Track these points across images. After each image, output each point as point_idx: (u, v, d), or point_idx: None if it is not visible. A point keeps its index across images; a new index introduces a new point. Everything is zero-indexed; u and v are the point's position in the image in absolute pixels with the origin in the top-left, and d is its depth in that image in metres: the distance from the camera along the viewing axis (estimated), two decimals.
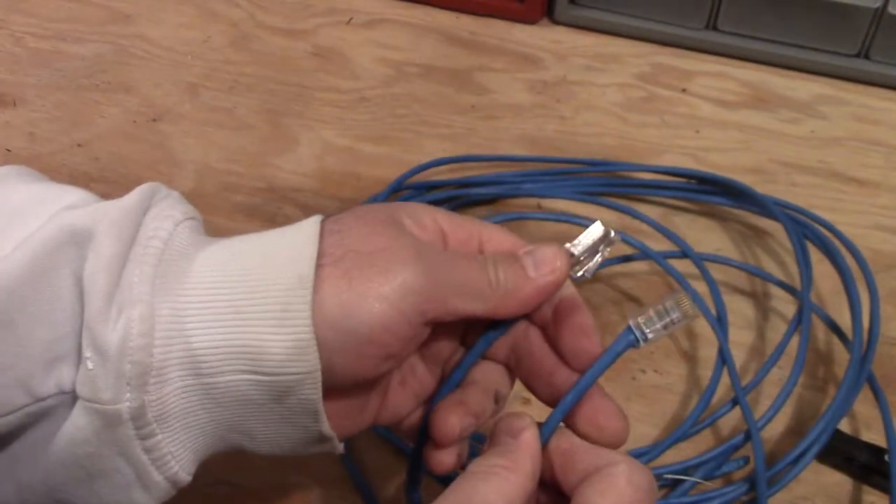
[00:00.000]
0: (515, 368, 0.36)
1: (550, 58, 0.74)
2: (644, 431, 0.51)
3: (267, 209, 0.62)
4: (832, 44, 0.71)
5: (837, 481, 0.49)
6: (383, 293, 0.31)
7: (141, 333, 0.30)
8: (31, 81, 0.71)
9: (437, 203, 0.62)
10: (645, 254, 0.56)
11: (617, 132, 0.68)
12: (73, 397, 0.30)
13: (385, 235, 0.32)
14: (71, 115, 0.69)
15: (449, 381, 0.35)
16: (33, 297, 0.30)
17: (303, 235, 0.32)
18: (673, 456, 0.48)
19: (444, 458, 0.34)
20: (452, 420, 0.33)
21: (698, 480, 0.47)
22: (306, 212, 0.62)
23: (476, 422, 0.34)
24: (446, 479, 0.36)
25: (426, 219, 0.34)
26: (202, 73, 0.72)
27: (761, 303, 0.57)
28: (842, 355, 0.54)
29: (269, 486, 0.49)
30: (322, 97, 0.70)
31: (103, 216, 0.31)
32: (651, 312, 0.33)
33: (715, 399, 0.51)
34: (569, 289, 0.35)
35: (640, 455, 0.47)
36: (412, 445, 0.37)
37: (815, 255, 0.56)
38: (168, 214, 0.33)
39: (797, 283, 0.55)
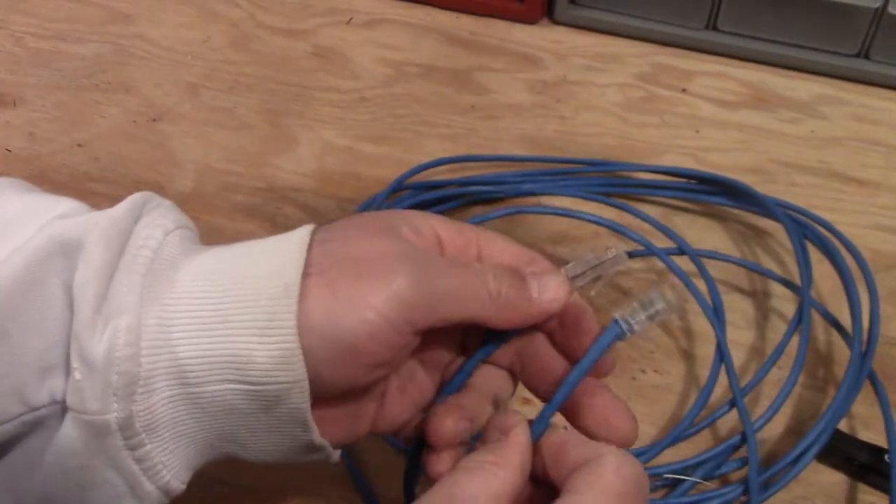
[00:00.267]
0: (520, 373, 0.36)
1: (550, 58, 0.74)
2: (644, 431, 0.51)
3: (267, 209, 0.62)
4: (832, 44, 0.71)
5: (837, 481, 0.49)
6: (369, 302, 0.30)
7: (127, 343, 0.30)
8: (31, 81, 0.71)
9: (437, 203, 0.62)
10: (648, 249, 0.56)
11: (617, 132, 0.68)
12: (64, 407, 0.30)
13: (376, 243, 0.32)
14: (71, 115, 0.69)
15: (447, 388, 0.35)
16: (25, 306, 0.30)
17: (291, 244, 0.32)
18: (672, 455, 0.48)
19: (441, 463, 0.33)
20: (448, 423, 0.33)
21: (698, 480, 0.47)
22: (306, 212, 0.62)
23: (472, 426, 0.34)
24: None
25: (423, 226, 0.34)
26: (202, 73, 0.72)
27: (761, 303, 0.57)
28: (842, 355, 0.54)
29: (267, 486, 0.49)
30: (322, 97, 0.70)
31: (93, 226, 0.31)
32: (635, 304, 0.33)
33: (715, 398, 0.51)
34: (574, 296, 0.35)
35: (639, 455, 0.47)
36: (410, 448, 0.37)
37: (815, 255, 0.56)
38: (159, 224, 0.33)
39: (797, 282, 0.55)
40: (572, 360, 0.34)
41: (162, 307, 0.30)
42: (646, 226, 0.59)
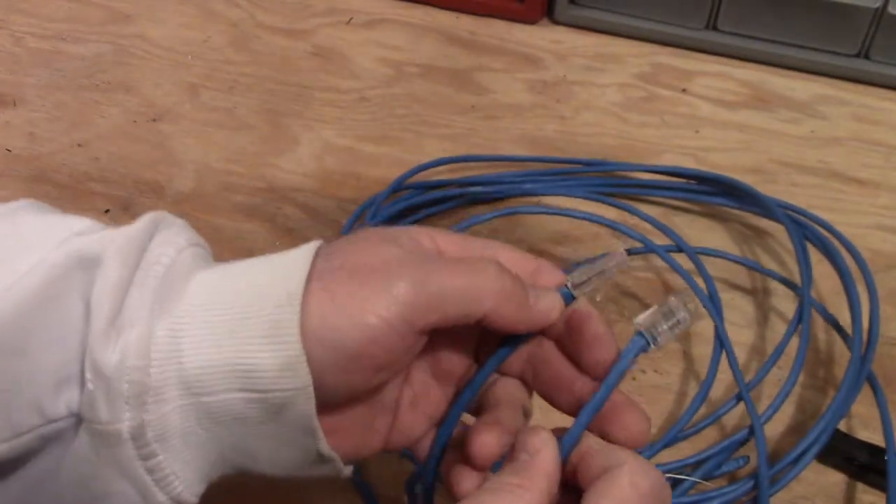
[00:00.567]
0: (532, 381, 0.36)
1: (550, 58, 0.74)
2: None
3: (267, 209, 0.62)
4: (832, 44, 0.71)
5: (837, 481, 0.49)
6: (368, 305, 0.31)
7: (138, 354, 0.30)
8: (31, 81, 0.71)
9: (437, 202, 0.62)
10: (647, 247, 0.56)
11: (617, 132, 0.68)
12: (79, 419, 0.31)
13: (376, 251, 0.32)
14: (71, 115, 0.69)
15: (461, 398, 0.35)
16: (45, 320, 0.31)
17: (296, 257, 0.33)
18: (673, 455, 0.48)
19: (468, 480, 0.33)
20: (490, 441, 0.33)
21: (698, 480, 0.47)
22: (306, 212, 0.62)
23: (512, 440, 0.33)
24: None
25: (423, 238, 0.34)
26: (202, 73, 0.72)
27: (762, 302, 0.57)
28: (842, 355, 0.54)
29: (268, 486, 0.49)
30: (322, 97, 0.70)
31: (110, 242, 0.32)
32: (657, 314, 0.32)
33: (716, 398, 0.51)
34: (580, 300, 0.35)
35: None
36: (424, 464, 0.36)
37: (815, 255, 0.56)
38: (172, 242, 0.33)
39: (797, 282, 0.55)
40: (581, 365, 0.34)
41: (171, 319, 0.31)
42: (646, 225, 0.59)
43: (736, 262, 0.58)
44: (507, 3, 0.76)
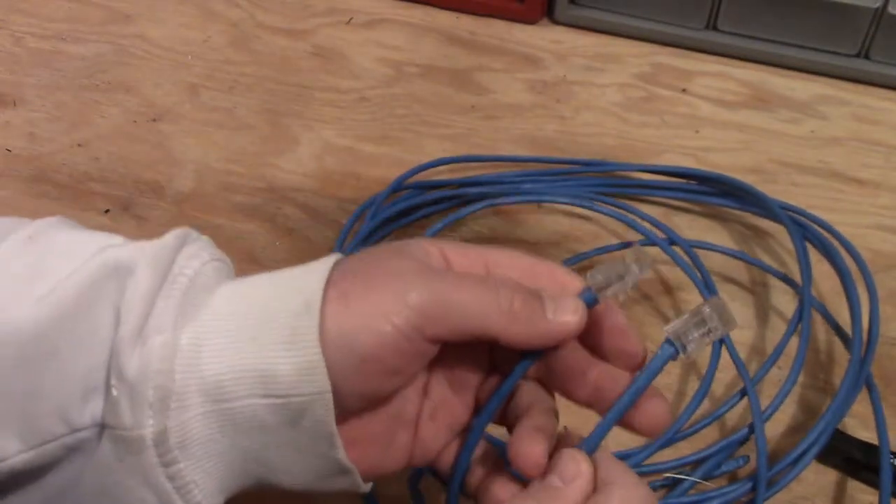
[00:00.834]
0: (548, 379, 0.36)
1: (550, 58, 0.74)
2: None
3: (267, 209, 0.62)
4: (832, 44, 0.71)
5: (837, 481, 0.49)
6: (378, 310, 0.31)
7: (162, 359, 0.31)
8: (31, 81, 0.71)
9: (436, 202, 0.62)
10: (650, 240, 0.57)
11: (617, 132, 0.68)
12: (103, 429, 0.31)
13: (389, 261, 0.33)
14: (71, 115, 0.69)
15: (487, 408, 0.35)
16: (77, 326, 0.31)
17: (313, 268, 0.34)
18: (672, 454, 0.48)
19: (505, 490, 0.34)
20: (538, 450, 0.33)
21: (698, 480, 0.47)
22: (306, 212, 0.62)
23: (553, 445, 0.33)
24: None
25: (431, 248, 0.35)
26: (202, 73, 0.72)
27: (762, 302, 0.57)
28: (842, 355, 0.54)
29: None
30: (322, 97, 0.70)
31: (141, 253, 0.33)
32: (688, 323, 0.32)
33: (715, 397, 0.51)
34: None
35: (637, 453, 0.47)
36: (451, 475, 0.36)
37: (815, 255, 0.56)
38: (197, 255, 0.34)
39: (797, 281, 0.55)
40: (601, 355, 0.34)
41: (195, 327, 0.32)
42: (645, 225, 0.59)
43: (732, 255, 0.58)
44: (507, 3, 0.76)
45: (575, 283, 0.35)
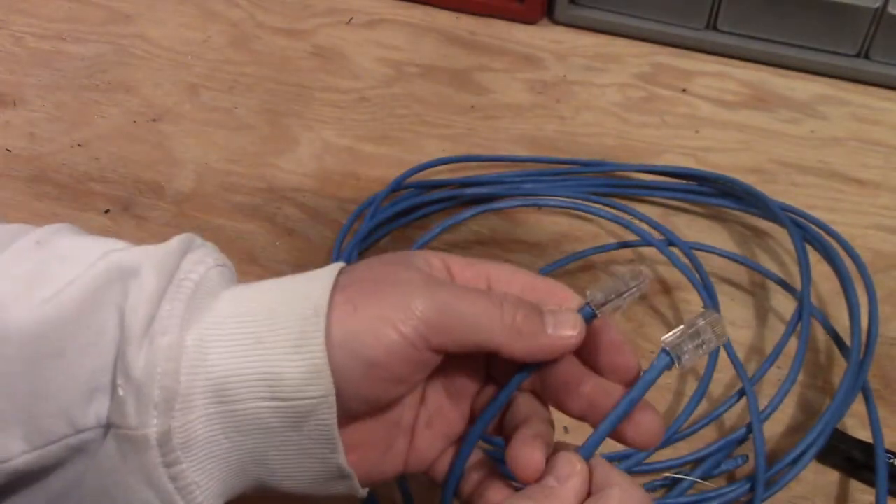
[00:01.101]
0: (543, 391, 0.36)
1: (550, 58, 0.74)
2: None
3: (267, 209, 0.62)
4: (832, 44, 0.71)
5: (837, 481, 0.49)
6: (385, 316, 0.32)
7: (168, 360, 0.31)
8: (31, 81, 0.71)
9: (436, 202, 0.62)
10: (645, 240, 0.57)
11: (617, 132, 0.68)
12: (107, 429, 0.32)
13: (394, 271, 0.34)
14: (71, 115, 0.69)
15: (484, 416, 0.35)
16: (83, 327, 0.32)
17: (320, 275, 0.34)
18: (671, 453, 0.48)
19: (499, 493, 0.34)
20: (537, 455, 0.33)
21: (697, 480, 0.47)
22: (306, 212, 0.62)
23: (550, 452, 0.34)
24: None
25: (434, 260, 0.35)
26: (202, 73, 0.72)
27: (761, 303, 0.57)
28: (841, 355, 0.54)
29: None
30: (322, 97, 0.70)
31: (146, 256, 0.33)
32: (684, 335, 0.32)
33: (715, 397, 0.51)
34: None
35: (634, 454, 0.47)
36: (445, 481, 0.37)
37: (815, 255, 0.56)
38: (202, 260, 0.35)
39: (796, 283, 0.55)
40: (597, 369, 0.35)
41: (201, 329, 0.32)
42: (644, 225, 0.59)
43: (732, 259, 0.58)
44: (507, 3, 0.76)
45: (573, 300, 0.35)
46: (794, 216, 0.58)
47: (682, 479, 0.47)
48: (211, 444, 0.32)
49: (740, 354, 0.54)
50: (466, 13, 0.77)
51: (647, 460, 0.48)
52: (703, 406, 0.51)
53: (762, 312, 0.57)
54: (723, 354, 0.51)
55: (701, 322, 0.32)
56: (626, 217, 0.58)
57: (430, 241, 0.57)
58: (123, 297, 0.32)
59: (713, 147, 0.67)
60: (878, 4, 0.68)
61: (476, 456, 0.36)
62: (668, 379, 0.53)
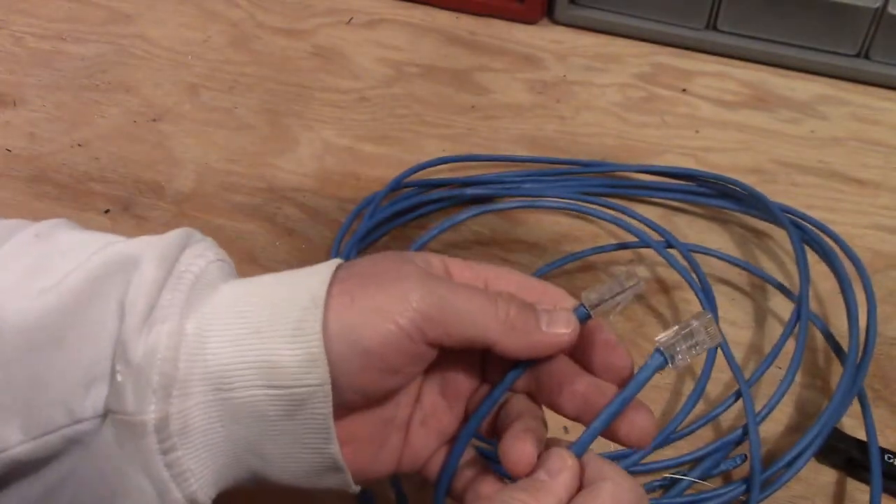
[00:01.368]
0: (537, 391, 0.37)
1: (550, 58, 0.74)
2: None
3: (267, 209, 0.62)
4: (832, 44, 0.71)
5: (836, 480, 0.49)
6: (382, 308, 0.32)
7: (168, 347, 0.32)
8: (31, 81, 0.71)
9: (436, 202, 0.62)
10: (643, 241, 0.57)
11: (617, 132, 0.68)
12: (104, 418, 0.32)
13: (392, 266, 0.34)
14: (71, 115, 0.69)
15: (476, 415, 0.36)
16: (83, 317, 0.32)
17: (318, 269, 0.34)
18: (670, 453, 0.48)
19: (490, 486, 0.34)
20: (528, 449, 0.33)
21: (695, 480, 0.47)
22: (306, 212, 0.62)
23: (541, 448, 0.34)
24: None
25: (433, 260, 0.36)
26: (202, 73, 0.72)
27: (760, 303, 0.57)
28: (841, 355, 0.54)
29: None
30: (322, 97, 0.70)
31: (147, 246, 0.34)
32: (678, 336, 0.33)
33: (715, 397, 0.51)
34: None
35: (631, 454, 0.47)
36: (438, 479, 0.37)
37: (814, 256, 0.56)
38: (202, 254, 0.35)
39: (795, 283, 0.55)
40: (591, 369, 0.35)
41: (200, 318, 0.33)
42: (643, 225, 0.59)
43: (731, 262, 0.58)
44: (507, 3, 0.76)
45: (568, 301, 0.36)
46: (793, 217, 0.58)
47: (681, 479, 0.47)
48: (207, 432, 0.33)
49: (739, 354, 0.54)
50: (466, 13, 0.77)
51: (645, 460, 0.48)
52: (701, 406, 0.51)
53: (761, 313, 0.57)
54: (721, 355, 0.51)
55: (695, 323, 0.33)
56: (625, 218, 0.58)
57: (429, 241, 0.57)
58: (124, 287, 0.33)
59: (713, 147, 0.67)
60: (878, 4, 0.67)
61: (469, 454, 0.36)
62: (667, 379, 0.53)
